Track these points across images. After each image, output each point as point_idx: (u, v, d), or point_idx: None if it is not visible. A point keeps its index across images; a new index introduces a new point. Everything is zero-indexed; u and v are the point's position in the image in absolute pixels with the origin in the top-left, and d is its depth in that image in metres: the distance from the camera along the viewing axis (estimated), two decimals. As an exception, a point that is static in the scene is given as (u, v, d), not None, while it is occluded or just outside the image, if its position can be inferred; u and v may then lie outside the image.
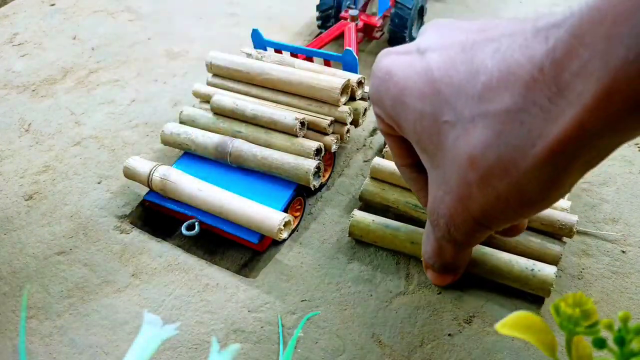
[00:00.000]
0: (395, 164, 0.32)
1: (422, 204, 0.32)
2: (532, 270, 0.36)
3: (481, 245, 0.37)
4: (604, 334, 0.18)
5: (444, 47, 0.23)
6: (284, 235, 0.39)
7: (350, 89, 0.46)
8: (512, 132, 0.20)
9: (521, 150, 0.20)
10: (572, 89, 0.18)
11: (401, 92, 0.24)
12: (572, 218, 0.39)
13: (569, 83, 0.18)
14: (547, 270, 0.36)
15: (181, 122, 0.47)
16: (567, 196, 0.42)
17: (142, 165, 0.44)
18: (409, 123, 0.24)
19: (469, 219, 0.24)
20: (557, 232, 0.39)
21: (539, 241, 0.38)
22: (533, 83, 0.19)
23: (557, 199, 0.23)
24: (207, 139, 0.45)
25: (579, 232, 0.41)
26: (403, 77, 0.24)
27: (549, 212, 0.39)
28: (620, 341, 0.18)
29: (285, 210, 0.41)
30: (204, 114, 0.47)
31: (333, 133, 0.45)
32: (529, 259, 0.37)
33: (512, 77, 0.20)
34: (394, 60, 0.25)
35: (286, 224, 0.39)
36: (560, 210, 0.40)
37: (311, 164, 0.41)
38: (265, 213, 0.39)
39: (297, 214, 0.44)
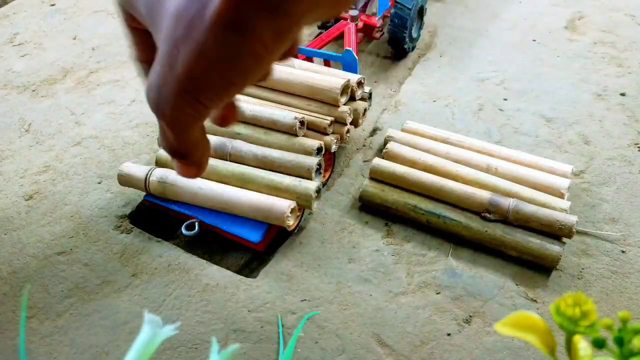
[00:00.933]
0: (132, 58, 0.33)
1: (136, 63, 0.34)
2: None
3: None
4: (604, 333, 0.18)
5: None
6: (292, 222, 0.39)
7: (350, 90, 0.46)
8: None
9: None
10: None
11: None
12: (572, 218, 0.39)
13: None
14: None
15: None
16: (566, 196, 0.42)
17: (136, 170, 0.43)
18: (142, 5, 0.26)
19: (176, 85, 0.24)
20: (557, 232, 0.39)
21: (538, 242, 0.38)
22: None
23: (255, 61, 0.23)
24: None
25: (578, 232, 0.41)
26: None
27: (549, 213, 0.39)
28: (620, 341, 0.18)
29: (263, 239, 0.41)
30: None
31: (333, 133, 0.45)
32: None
33: None
34: None
35: (292, 211, 0.39)
36: (560, 210, 0.40)
37: (313, 161, 0.41)
38: (271, 201, 0.39)
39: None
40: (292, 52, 0.27)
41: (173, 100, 0.23)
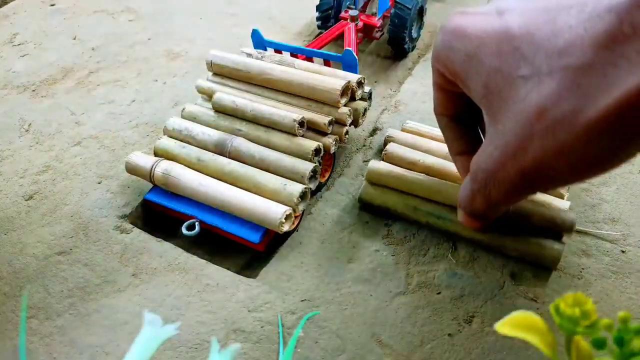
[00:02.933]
0: (435, 112, 0.33)
1: (451, 152, 0.34)
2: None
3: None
4: (604, 334, 0.18)
5: (526, 9, 0.24)
6: (286, 227, 0.39)
7: (350, 90, 0.46)
8: (592, 83, 0.20)
9: (596, 99, 0.20)
10: None
11: (477, 49, 0.25)
12: (571, 215, 0.39)
13: None
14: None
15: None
16: (566, 196, 0.42)
17: (143, 160, 0.44)
18: (479, 78, 0.25)
19: (516, 175, 0.24)
20: (558, 228, 0.39)
21: (538, 241, 0.38)
22: (622, 37, 0.19)
23: (619, 161, 0.22)
24: (206, 136, 0.45)
25: (579, 232, 0.41)
26: (480, 34, 0.25)
27: (548, 210, 0.39)
28: (620, 341, 0.18)
29: (263, 239, 0.41)
30: (206, 112, 0.47)
31: (332, 134, 0.45)
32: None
33: (599, 33, 0.20)
34: (469, 19, 0.26)
35: (287, 217, 0.39)
36: (559, 210, 0.40)
37: (307, 167, 0.41)
38: (267, 206, 0.39)
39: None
40: None
41: (507, 187, 0.25)
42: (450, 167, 0.44)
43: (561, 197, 0.42)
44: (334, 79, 0.45)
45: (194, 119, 0.47)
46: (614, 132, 0.20)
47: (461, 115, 0.32)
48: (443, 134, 0.34)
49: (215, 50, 0.50)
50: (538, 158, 0.22)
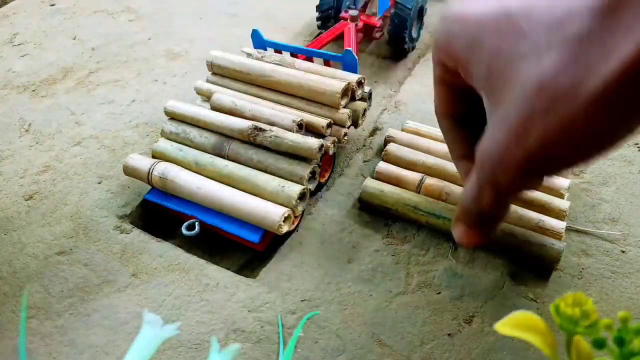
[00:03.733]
0: (436, 112, 0.32)
1: (453, 156, 0.32)
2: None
3: None
4: (604, 334, 0.18)
5: None
6: (285, 229, 0.39)
7: (350, 91, 0.46)
8: (591, 53, 0.19)
9: (595, 70, 0.19)
10: None
11: (478, 31, 0.24)
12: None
13: None
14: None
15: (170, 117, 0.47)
16: (566, 196, 0.42)
17: (141, 163, 0.44)
18: (482, 61, 0.24)
19: (523, 158, 0.23)
20: (554, 215, 0.39)
21: (538, 241, 0.38)
22: (619, 2, 0.19)
23: (622, 136, 0.21)
24: (204, 139, 0.45)
25: (578, 231, 0.41)
26: (480, 17, 0.24)
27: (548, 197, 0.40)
28: (620, 341, 0.18)
29: (263, 239, 0.41)
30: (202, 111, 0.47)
31: (331, 135, 0.45)
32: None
33: (593, 1, 0.19)
34: (469, 5, 0.26)
35: (286, 219, 0.39)
36: (558, 211, 0.40)
37: (305, 170, 0.41)
38: (266, 207, 0.39)
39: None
40: None
41: (517, 171, 0.23)
42: (451, 167, 0.44)
43: (561, 197, 0.42)
44: (334, 81, 0.45)
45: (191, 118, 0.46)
46: (615, 104, 0.19)
47: (464, 116, 0.31)
48: (444, 136, 0.33)
49: (216, 51, 0.49)
50: (541, 137, 0.21)
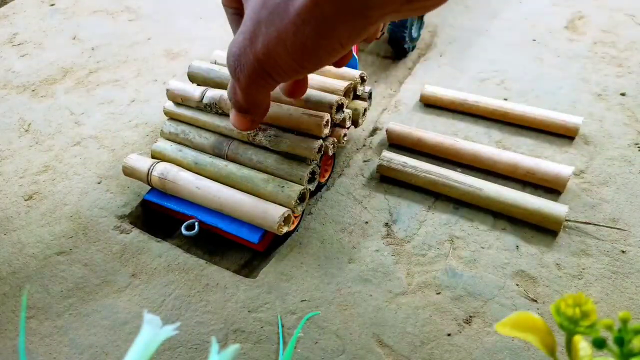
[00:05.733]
0: (223, 3, 0.35)
1: None
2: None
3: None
4: (604, 334, 0.18)
5: None
6: (284, 229, 0.39)
7: (352, 90, 0.46)
8: None
9: None
10: None
11: None
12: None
13: None
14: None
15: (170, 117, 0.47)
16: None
17: (140, 163, 0.44)
18: None
19: (253, 59, 0.26)
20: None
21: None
22: None
23: (327, 53, 0.24)
24: (203, 139, 0.45)
25: (578, 230, 0.41)
26: None
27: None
28: (620, 341, 0.18)
29: (262, 240, 0.41)
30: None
31: (330, 136, 0.45)
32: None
33: None
34: None
35: (286, 219, 0.39)
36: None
37: (305, 170, 0.41)
38: (265, 208, 0.39)
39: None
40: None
41: (248, 71, 0.26)
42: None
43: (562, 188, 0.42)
44: (336, 81, 0.44)
45: (185, 116, 0.46)
46: (316, 20, 0.22)
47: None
48: (230, 26, 0.35)
49: (219, 51, 0.49)
50: (265, 43, 0.24)
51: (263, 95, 0.31)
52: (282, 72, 0.26)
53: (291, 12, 0.22)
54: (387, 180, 0.47)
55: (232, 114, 0.33)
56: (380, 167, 0.46)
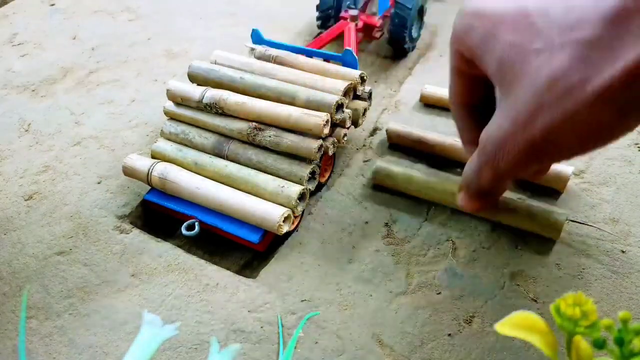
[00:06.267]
0: (451, 101, 0.35)
1: (463, 141, 0.35)
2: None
3: None
4: (604, 334, 0.18)
5: None
6: (284, 229, 0.39)
7: (352, 90, 0.46)
8: (599, 56, 0.22)
9: (602, 70, 0.22)
10: None
11: (494, 26, 0.26)
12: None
13: None
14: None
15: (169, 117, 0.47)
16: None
17: (140, 163, 0.44)
18: (495, 53, 0.26)
19: (526, 144, 0.25)
20: (553, 185, 0.42)
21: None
22: (626, 12, 0.21)
23: (620, 131, 0.23)
24: (203, 139, 0.45)
25: (578, 229, 0.41)
26: (498, 13, 0.27)
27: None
28: (620, 341, 0.18)
29: (262, 240, 0.41)
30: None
31: (330, 136, 0.45)
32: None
33: (606, 9, 0.22)
34: (488, 1, 0.28)
35: (286, 219, 0.39)
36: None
37: (305, 170, 0.41)
38: (265, 208, 0.39)
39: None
40: None
41: (517, 157, 0.26)
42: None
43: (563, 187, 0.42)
44: (337, 81, 0.44)
45: (186, 116, 0.46)
46: (617, 101, 0.22)
47: (477, 106, 0.33)
48: (456, 123, 0.35)
49: (219, 51, 0.49)
50: (547, 127, 0.23)
51: (507, 185, 0.31)
52: (558, 156, 0.25)
53: (589, 91, 0.22)
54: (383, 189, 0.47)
55: (467, 196, 0.32)
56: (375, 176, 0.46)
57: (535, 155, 0.25)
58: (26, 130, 0.54)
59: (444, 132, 0.51)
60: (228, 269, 0.41)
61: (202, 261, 0.41)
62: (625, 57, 0.21)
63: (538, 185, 0.45)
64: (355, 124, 0.47)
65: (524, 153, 0.25)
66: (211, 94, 0.44)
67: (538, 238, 0.41)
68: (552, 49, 0.23)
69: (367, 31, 0.64)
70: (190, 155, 0.44)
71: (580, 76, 0.22)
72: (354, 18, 0.61)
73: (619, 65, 0.21)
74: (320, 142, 0.41)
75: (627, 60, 0.21)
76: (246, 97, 0.44)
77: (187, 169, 0.43)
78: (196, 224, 0.42)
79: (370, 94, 0.49)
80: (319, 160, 0.42)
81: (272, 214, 0.39)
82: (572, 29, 0.23)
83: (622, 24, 0.21)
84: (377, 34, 0.65)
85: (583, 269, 0.39)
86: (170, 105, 0.46)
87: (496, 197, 0.32)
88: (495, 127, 0.26)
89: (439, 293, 0.38)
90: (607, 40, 0.22)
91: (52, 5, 0.76)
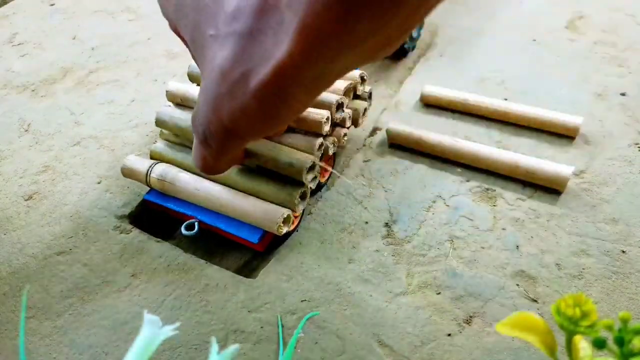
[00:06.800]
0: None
1: None
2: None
3: None
4: (604, 334, 0.18)
5: None
6: (284, 230, 0.39)
7: (352, 90, 0.46)
8: (254, 51, 0.22)
9: (258, 67, 0.22)
10: (288, 19, 0.20)
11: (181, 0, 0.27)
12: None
13: (284, 12, 0.20)
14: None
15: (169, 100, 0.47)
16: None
17: (139, 164, 0.44)
18: (187, 30, 0.27)
19: (222, 128, 0.26)
20: (553, 185, 0.39)
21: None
22: (268, 7, 0.21)
23: (292, 114, 0.25)
24: None
25: (578, 229, 0.41)
26: None
27: (546, 165, 0.43)
28: (620, 341, 0.18)
29: (262, 240, 0.41)
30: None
31: (330, 135, 0.45)
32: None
33: (254, 2, 0.22)
34: None
35: (286, 219, 0.39)
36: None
37: (306, 160, 0.41)
38: (265, 208, 0.39)
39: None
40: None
41: (219, 138, 0.27)
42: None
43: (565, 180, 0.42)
44: (319, 112, 0.44)
45: (182, 101, 0.46)
46: (277, 95, 0.22)
47: None
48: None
49: None
50: (230, 115, 0.24)
51: (238, 156, 0.32)
52: (252, 134, 0.27)
53: (252, 87, 0.23)
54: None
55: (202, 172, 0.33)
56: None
57: (233, 137, 0.26)
58: (26, 130, 0.54)
59: (444, 132, 0.51)
60: (228, 269, 0.41)
61: (202, 261, 0.41)
62: (274, 56, 0.21)
63: (538, 185, 0.45)
64: (356, 123, 0.47)
65: (224, 134, 0.26)
66: None
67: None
68: (220, 39, 0.23)
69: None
70: (190, 155, 0.44)
71: (243, 71, 0.22)
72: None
73: (270, 65, 0.21)
74: (321, 139, 0.41)
75: (276, 60, 0.21)
76: None
77: (187, 170, 0.43)
78: (196, 223, 0.42)
79: (370, 93, 0.49)
80: (319, 159, 0.43)
81: (272, 214, 0.39)
82: (233, 18, 0.23)
83: (264, 18, 0.21)
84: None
85: (583, 269, 0.39)
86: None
87: (222, 172, 0.32)
88: (198, 109, 0.27)
89: (439, 293, 0.38)
90: (258, 35, 0.22)
91: (52, 5, 0.76)
